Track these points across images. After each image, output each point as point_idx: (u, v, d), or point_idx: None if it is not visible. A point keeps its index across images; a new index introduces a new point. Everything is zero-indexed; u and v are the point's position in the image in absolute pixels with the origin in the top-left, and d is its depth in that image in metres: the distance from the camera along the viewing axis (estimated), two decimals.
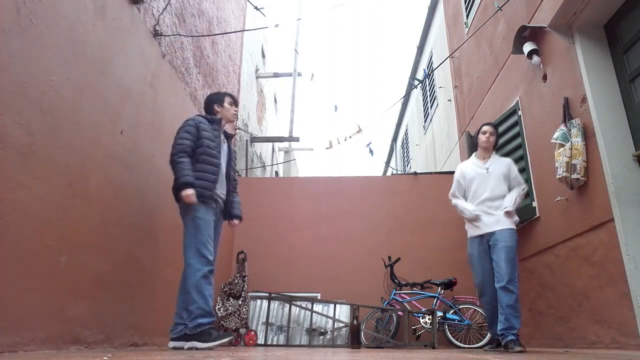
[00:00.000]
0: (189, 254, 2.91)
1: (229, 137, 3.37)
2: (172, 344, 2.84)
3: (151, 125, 3.45)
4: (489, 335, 4.13)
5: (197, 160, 3.00)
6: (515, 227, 3.37)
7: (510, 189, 3.49)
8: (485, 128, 3.65)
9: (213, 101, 3.32)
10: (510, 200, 3.40)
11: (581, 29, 3.26)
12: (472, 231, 3.53)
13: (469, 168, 3.64)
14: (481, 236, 3.44)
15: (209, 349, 2.69)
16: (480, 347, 4.45)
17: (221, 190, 3.16)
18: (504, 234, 3.30)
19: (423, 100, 9.54)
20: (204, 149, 3.02)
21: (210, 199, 3.02)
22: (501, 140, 4.59)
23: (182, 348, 2.79)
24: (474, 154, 3.73)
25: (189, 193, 2.86)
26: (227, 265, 5.41)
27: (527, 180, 4.11)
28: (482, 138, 3.62)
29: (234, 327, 4.65)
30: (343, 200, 6.07)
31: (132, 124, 3.13)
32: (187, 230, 2.97)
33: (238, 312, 4.70)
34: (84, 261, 2.49)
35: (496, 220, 3.38)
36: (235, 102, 3.40)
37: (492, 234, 3.37)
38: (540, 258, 3.95)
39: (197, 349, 2.68)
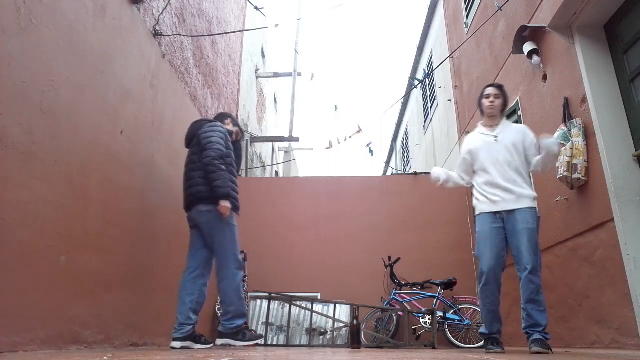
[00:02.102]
0: (228, 259, 3.07)
1: None
2: (177, 344, 2.87)
3: (151, 125, 3.45)
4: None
5: (227, 172, 3.12)
6: (536, 206, 2.84)
7: (528, 161, 2.91)
8: (488, 90, 3.06)
9: (225, 116, 3.51)
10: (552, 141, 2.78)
11: (581, 29, 3.26)
12: (484, 206, 2.93)
13: (476, 138, 3.07)
14: (496, 213, 2.87)
15: (245, 347, 2.93)
16: (481, 348, 4.45)
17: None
18: (526, 215, 2.76)
19: (423, 100, 9.54)
20: (231, 160, 3.19)
21: (237, 209, 3.24)
22: None
23: (189, 348, 2.87)
24: (479, 123, 3.17)
25: (230, 205, 3.06)
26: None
27: None
28: (485, 103, 3.04)
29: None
30: (343, 200, 6.08)
31: (132, 124, 3.13)
32: (224, 236, 3.08)
33: None
34: (84, 261, 2.49)
35: (516, 197, 2.80)
36: (237, 130, 3.51)
37: (510, 213, 2.80)
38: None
39: (231, 346, 2.90)
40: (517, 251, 2.75)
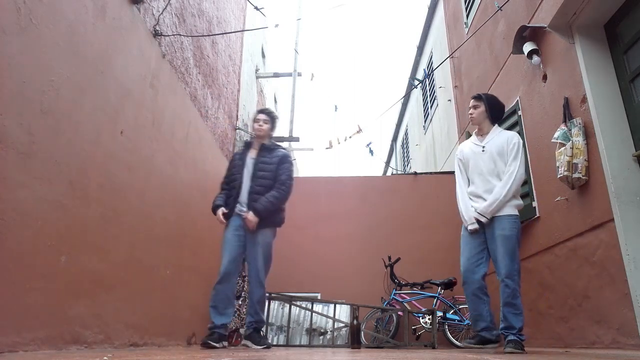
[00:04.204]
0: None
1: (264, 149, 3.53)
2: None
3: (151, 125, 3.45)
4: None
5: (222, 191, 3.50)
6: (516, 213, 2.95)
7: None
8: (471, 102, 3.22)
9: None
10: (487, 206, 2.92)
11: (581, 29, 3.26)
12: None
13: (467, 147, 3.21)
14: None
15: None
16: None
17: (243, 204, 3.36)
18: (503, 222, 2.91)
19: (423, 100, 9.54)
20: (229, 178, 3.50)
21: (230, 217, 3.35)
22: None
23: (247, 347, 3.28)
24: (474, 132, 3.30)
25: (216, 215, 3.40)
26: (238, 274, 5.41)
27: (527, 181, 4.11)
28: (469, 113, 3.23)
29: (234, 327, 4.65)
30: (343, 200, 6.08)
31: (132, 124, 3.12)
32: None
33: (238, 312, 4.71)
34: (84, 261, 2.49)
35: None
36: (255, 117, 3.60)
37: (489, 220, 2.97)
38: (540, 258, 3.94)
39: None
40: (494, 257, 2.94)
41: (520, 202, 3.02)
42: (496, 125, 3.18)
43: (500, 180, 2.99)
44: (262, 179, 3.36)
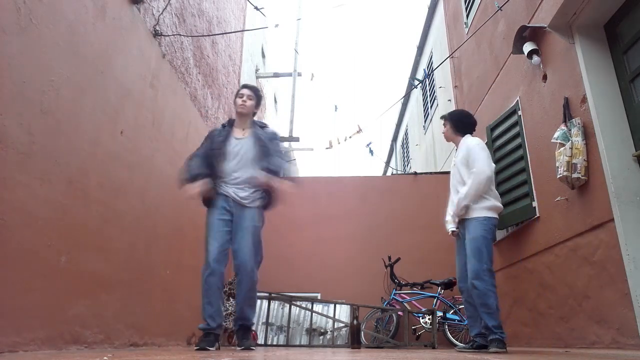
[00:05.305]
0: None
1: (260, 127, 3.18)
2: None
3: (151, 125, 3.45)
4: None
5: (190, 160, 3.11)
6: (486, 215, 3.07)
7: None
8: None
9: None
10: (457, 204, 3.11)
11: (581, 29, 3.26)
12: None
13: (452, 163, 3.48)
14: (459, 226, 3.26)
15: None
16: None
17: (232, 186, 3.01)
18: (469, 225, 3.09)
19: (423, 100, 9.54)
20: (212, 157, 3.07)
21: (215, 197, 2.99)
22: (501, 140, 4.59)
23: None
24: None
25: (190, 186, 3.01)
26: (227, 266, 5.41)
27: (527, 181, 4.11)
28: (442, 132, 3.51)
29: (234, 327, 4.65)
30: (343, 200, 6.08)
31: (132, 124, 3.13)
32: None
33: None
34: (84, 261, 2.49)
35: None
36: (239, 92, 3.22)
37: (462, 223, 3.19)
38: (540, 258, 3.94)
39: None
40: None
41: (493, 203, 3.11)
42: (467, 135, 3.33)
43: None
44: (256, 160, 3.07)
